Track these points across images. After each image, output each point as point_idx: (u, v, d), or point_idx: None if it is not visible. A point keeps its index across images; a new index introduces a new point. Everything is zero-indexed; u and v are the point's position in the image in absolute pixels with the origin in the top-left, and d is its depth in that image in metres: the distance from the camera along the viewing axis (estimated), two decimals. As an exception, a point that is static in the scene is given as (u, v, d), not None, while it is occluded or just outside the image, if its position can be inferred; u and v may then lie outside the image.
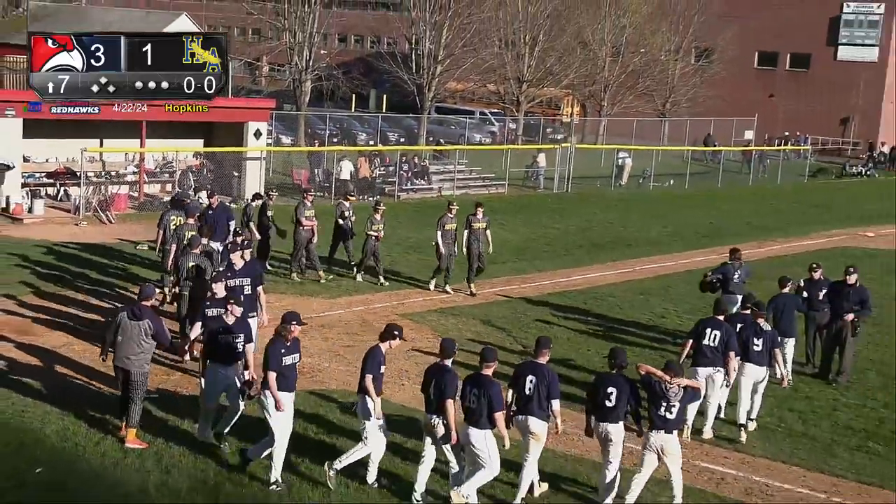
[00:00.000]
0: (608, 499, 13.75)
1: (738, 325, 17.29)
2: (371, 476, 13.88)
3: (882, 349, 22.87)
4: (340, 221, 26.80)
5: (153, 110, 35.31)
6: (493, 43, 64.41)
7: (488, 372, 13.34)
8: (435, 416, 13.33)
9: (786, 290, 20.05)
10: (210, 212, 23.06)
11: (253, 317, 16.74)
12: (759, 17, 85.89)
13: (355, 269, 26.60)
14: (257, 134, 39.20)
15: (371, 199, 35.99)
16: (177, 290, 20.06)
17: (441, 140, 55.25)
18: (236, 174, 38.86)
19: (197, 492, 13.42)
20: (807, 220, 45.30)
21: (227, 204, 24.79)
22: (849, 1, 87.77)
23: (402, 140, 56.11)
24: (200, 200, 25.13)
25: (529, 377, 13.70)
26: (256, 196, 27.34)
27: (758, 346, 17.13)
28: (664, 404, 13.51)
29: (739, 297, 20.86)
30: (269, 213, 26.29)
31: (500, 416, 13.07)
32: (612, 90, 70.89)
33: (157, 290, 19.75)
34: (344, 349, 20.30)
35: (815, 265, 21.62)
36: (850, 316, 20.19)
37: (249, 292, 17.27)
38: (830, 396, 19.44)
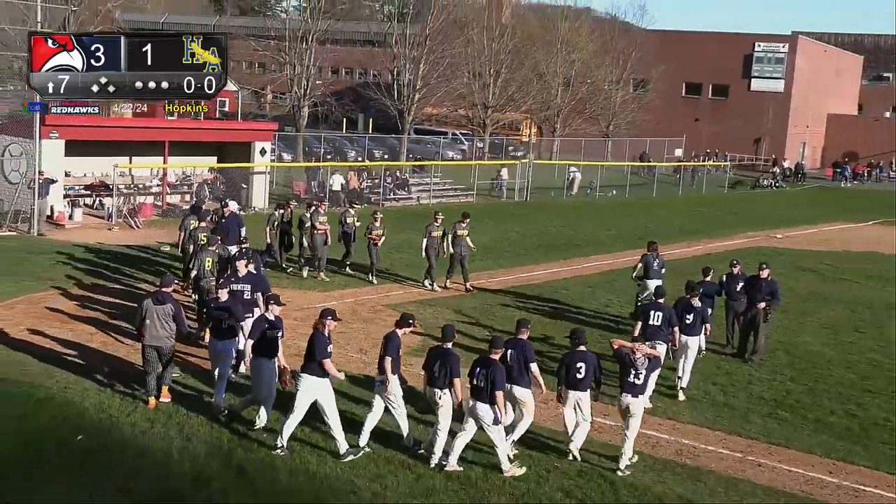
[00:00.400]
0: (577, 447, 14.24)
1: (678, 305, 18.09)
2: (363, 439, 13.98)
3: (789, 332, 23.11)
4: (342, 226, 26.81)
5: (174, 132, 35.45)
6: (462, 74, 64.46)
7: (495, 357, 13.60)
8: (438, 390, 13.59)
9: (708, 278, 20.45)
10: (223, 220, 22.91)
11: (249, 317, 16.37)
12: (686, 54, 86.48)
13: (370, 274, 26.37)
14: (262, 152, 39.22)
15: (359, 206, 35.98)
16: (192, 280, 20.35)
17: (419, 156, 55.33)
18: (244, 186, 38.85)
19: (213, 456, 13.46)
20: (727, 224, 45.58)
21: (238, 213, 24.59)
22: (759, 41, 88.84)
23: (386, 157, 56.06)
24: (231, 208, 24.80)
25: (510, 351, 14.08)
26: (279, 206, 27.32)
27: (689, 319, 17.95)
28: (633, 372, 13.98)
29: (659, 281, 21.29)
30: (287, 220, 26.27)
31: (499, 395, 13.29)
32: (563, 114, 70.93)
33: (177, 281, 19.95)
34: (336, 335, 20.25)
35: (734, 262, 21.92)
36: (763, 304, 20.42)
37: (249, 297, 17.00)
38: (746, 372, 19.63)
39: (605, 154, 67.11)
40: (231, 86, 61.42)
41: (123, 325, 19.64)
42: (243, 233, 22.56)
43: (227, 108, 63.12)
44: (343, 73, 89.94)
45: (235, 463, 13.28)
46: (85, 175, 35.66)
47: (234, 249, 20.53)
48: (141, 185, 36.84)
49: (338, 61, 78.75)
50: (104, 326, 19.82)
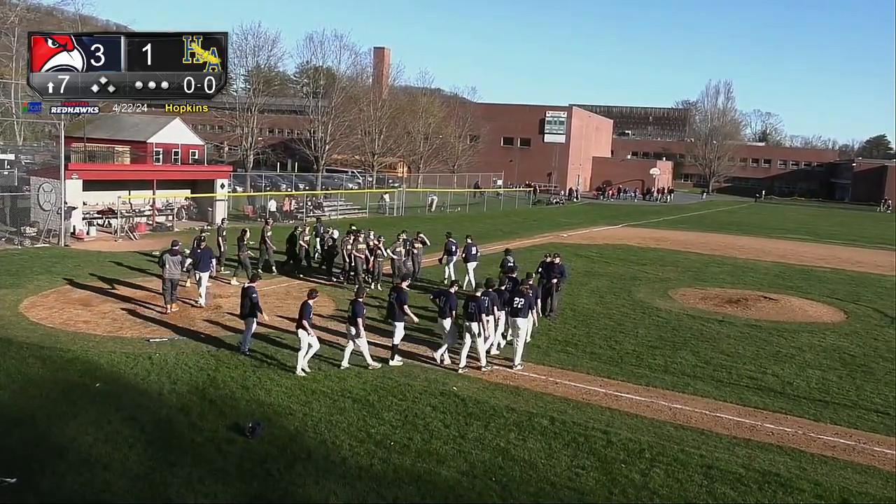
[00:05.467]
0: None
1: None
2: (345, 362, 14.61)
3: (573, 296, 23.48)
4: (301, 242, 25.22)
5: (160, 172, 34.31)
6: (357, 132, 64.09)
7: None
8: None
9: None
10: (199, 250, 21.78)
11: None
12: (503, 118, 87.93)
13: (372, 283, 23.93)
14: (222, 185, 38.13)
15: (295, 222, 35.25)
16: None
17: (329, 187, 54.66)
18: (210, 209, 37.72)
19: (193, 393, 12.98)
20: (531, 228, 46.29)
21: (209, 248, 22.59)
22: (548, 110, 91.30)
23: (307, 188, 55.05)
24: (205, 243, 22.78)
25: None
26: (266, 220, 26.57)
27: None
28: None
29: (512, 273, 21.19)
30: (269, 233, 24.77)
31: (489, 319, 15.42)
32: (424, 158, 71.11)
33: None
34: (276, 307, 19.90)
35: (547, 254, 22.21)
36: (556, 280, 20.77)
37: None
38: (547, 324, 19.83)
39: (452, 184, 67.54)
40: (199, 140, 59.52)
41: (129, 305, 18.83)
42: (214, 263, 21.06)
43: (197, 156, 61.21)
44: (277, 132, 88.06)
45: (209, 398, 12.84)
46: (97, 203, 34.06)
47: (205, 274, 19.80)
48: (137, 210, 35.45)
49: (273, 124, 77.18)
50: (114, 307, 18.89)
